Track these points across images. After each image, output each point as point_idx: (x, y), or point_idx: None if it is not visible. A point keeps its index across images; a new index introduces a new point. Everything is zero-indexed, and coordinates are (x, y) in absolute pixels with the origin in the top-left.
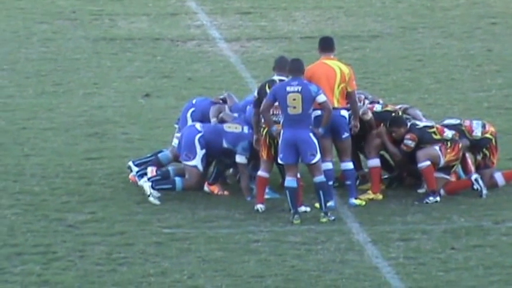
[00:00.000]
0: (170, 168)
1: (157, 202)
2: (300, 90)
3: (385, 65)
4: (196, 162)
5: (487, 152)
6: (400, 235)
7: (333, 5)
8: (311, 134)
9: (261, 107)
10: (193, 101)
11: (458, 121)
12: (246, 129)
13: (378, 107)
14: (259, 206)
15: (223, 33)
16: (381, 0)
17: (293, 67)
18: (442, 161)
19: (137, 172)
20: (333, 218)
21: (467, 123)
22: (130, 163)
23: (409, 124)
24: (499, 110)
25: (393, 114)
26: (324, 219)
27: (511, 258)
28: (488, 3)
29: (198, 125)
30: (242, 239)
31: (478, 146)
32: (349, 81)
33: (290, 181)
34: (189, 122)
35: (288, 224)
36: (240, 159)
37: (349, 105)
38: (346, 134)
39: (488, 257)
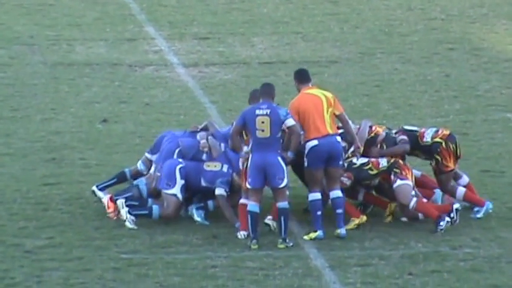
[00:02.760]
0: (150, 200)
1: (134, 227)
2: (268, 113)
3: (343, 90)
4: (176, 190)
5: (438, 157)
6: (358, 260)
7: (291, 30)
8: (279, 158)
9: (231, 131)
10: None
11: (415, 128)
12: (225, 168)
13: None
14: (242, 233)
15: (181, 58)
16: (339, 26)
17: (264, 91)
18: (412, 185)
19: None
20: (291, 244)
21: (422, 130)
22: (94, 187)
23: (346, 163)
24: (457, 135)
25: None
26: (282, 245)
27: (468, 283)
28: (446, 28)
29: (181, 159)
30: (200, 265)
31: (429, 151)
32: (335, 105)
33: (253, 206)
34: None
35: (246, 250)
36: (219, 191)
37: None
38: (340, 162)
39: (445, 283)
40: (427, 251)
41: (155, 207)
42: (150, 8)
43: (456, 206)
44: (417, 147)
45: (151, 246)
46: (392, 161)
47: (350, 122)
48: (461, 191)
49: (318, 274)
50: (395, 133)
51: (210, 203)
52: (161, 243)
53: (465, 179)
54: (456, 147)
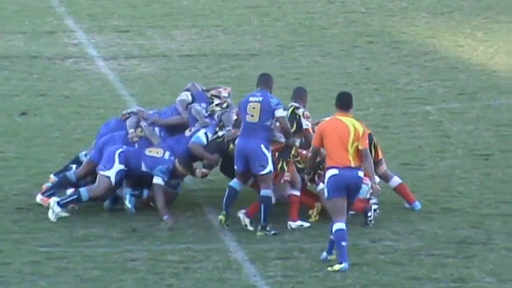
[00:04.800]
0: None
1: (67, 214)
2: (260, 100)
3: None
4: (111, 173)
5: None
6: (278, 253)
7: (211, 23)
8: (262, 146)
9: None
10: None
11: None
12: (167, 155)
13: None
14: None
15: (100, 51)
16: (259, 19)
17: (261, 80)
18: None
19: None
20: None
21: None
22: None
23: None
24: (377, 128)
25: None
26: (260, 233)
27: (387, 276)
28: (366, 21)
29: (124, 146)
30: (119, 258)
31: None
32: (362, 139)
33: (234, 182)
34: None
35: (166, 243)
36: (157, 180)
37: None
38: (357, 195)
39: (365, 276)
40: (347, 244)
41: (83, 190)
42: (70, 1)
43: (375, 206)
44: None
45: (71, 240)
46: (318, 160)
47: (370, 157)
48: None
49: (238, 267)
50: (314, 125)
51: (145, 192)
52: (81, 237)
53: (396, 180)
54: (371, 149)
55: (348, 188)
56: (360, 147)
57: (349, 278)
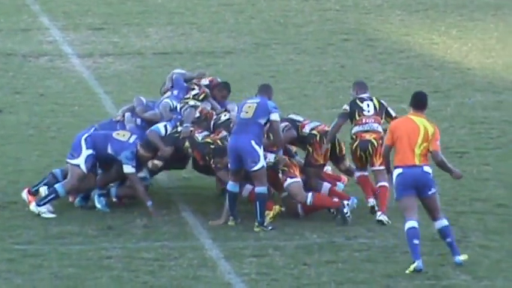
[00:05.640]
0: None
1: (52, 215)
2: (257, 102)
3: (238, 81)
4: (80, 161)
5: (310, 149)
6: (253, 251)
7: (186, 21)
8: (253, 142)
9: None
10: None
11: (300, 119)
12: (132, 139)
13: (198, 137)
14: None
15: (75, 49)
16: (234, 17)
17: (261, 88)
18: (302, 182)
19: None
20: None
21: (305, 121)
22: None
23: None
24: None
25: (212, 146)
26: (258, 229)
27: (362, 273)
28: (341, 19)
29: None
30: (95, 256)
31: (304, 142)
32: (432, 141)
33: (232, 185)
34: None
35: (141, 241)
36: (127, 169)
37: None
38: (432, 190)
39: (340, 273)
40: (322, 241)
41: (58, 186)
42: None
43: (349, 202)
44: (297, 137)
45: (46, 237)
46: (278, 158)
47: (441, 157)
48: (326, 186)
49: (213, 265)
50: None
51: (112, 190)
52: (56, 234)
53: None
54: (335, 145)
55: (417, 185)
56: (430, 149)
57: (324, 276)
